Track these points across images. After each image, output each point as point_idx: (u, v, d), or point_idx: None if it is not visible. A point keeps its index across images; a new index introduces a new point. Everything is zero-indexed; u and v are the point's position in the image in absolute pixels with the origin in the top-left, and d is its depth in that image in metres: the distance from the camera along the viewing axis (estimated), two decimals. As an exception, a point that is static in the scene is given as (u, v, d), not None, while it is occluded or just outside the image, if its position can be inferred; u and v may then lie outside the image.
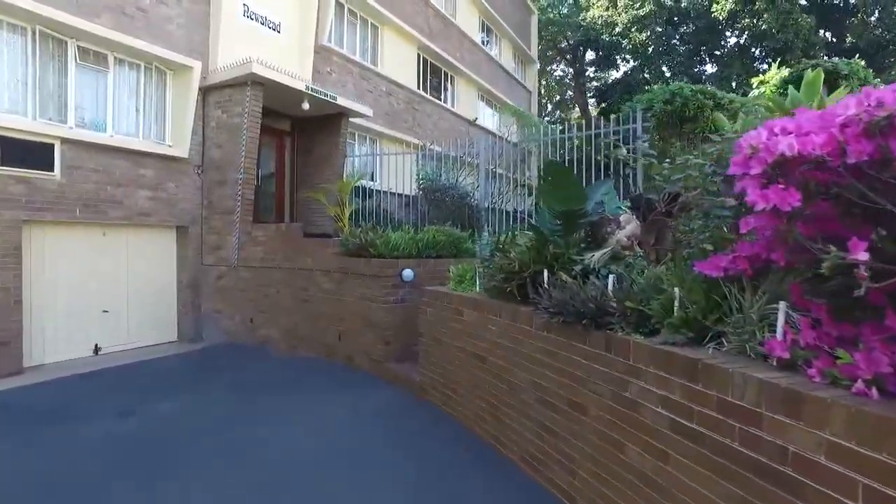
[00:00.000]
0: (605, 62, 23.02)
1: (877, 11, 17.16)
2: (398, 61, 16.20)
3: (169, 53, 9.07)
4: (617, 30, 21.23)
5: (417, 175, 11.28)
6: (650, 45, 20.23)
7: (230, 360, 8.45)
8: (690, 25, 20.08)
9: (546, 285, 4.22)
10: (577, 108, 32.59)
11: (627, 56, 20.80)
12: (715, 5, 18.12)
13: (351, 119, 12.03)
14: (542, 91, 29.68)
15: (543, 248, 4.63)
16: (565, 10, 28.37)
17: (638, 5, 19.98)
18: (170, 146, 9.41)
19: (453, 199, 10.61)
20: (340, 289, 8.09)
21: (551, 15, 27.69)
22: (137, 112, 9.07)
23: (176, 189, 9.42)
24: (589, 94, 27.24)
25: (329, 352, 8.26)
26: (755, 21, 17.61)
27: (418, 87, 17.47)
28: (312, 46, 12.37)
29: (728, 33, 19.34)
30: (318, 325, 8.46)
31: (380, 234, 7.68)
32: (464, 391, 5.40)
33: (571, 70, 34.32)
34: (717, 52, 19.73)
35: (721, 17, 18.54)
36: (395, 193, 12.09)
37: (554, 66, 35.48)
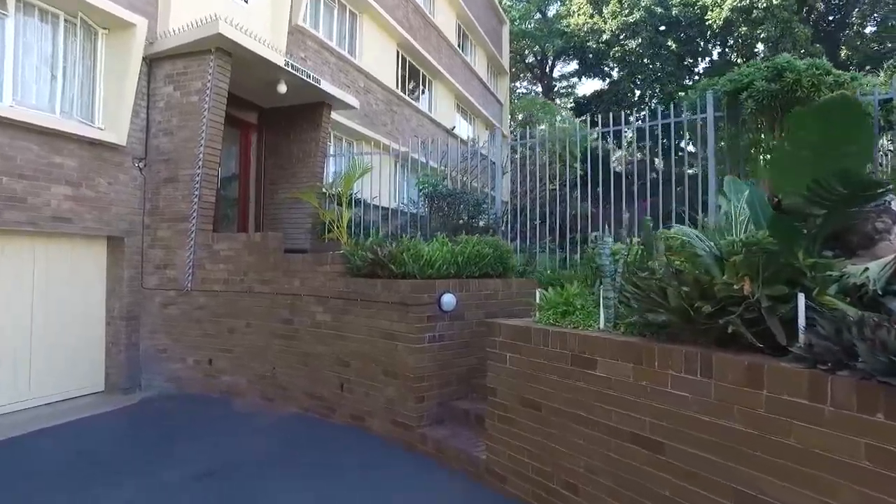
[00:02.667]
0: (592, 71, 21.96)
1: (869, 26, 16.95)
2: (377, 55, 14.22)
3: (102, 2, 6.70)
4: (604, 37, 20.18)
5: (420, 180, 9.23)
6: (641, 53, 19.26)
7: (181, 421, 6.02)
8: (682, 34, 19.31)
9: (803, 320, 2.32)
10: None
11: (613, 64, 19.77)
12: (710, 13, 17.38)
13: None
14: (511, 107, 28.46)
15: (779, 259, 2.71)
16: (532, 25, 27.35)
17: (627, 12, 19.01)
18: (100, 129, 6.97)
19: (467, 206, 8.61)
20: (343, 321, 5.88)
21: (523, 27, 26.57)
22: (54, 79, 6.62)
23: (108, 187, 6.96)
24: (564, 109, 26.21)
25: (325, 408, 5.99)
26: (753, 30, 16.96)
27: (397, 87, 15.54)
28: (287, 24, 10.21)
29: (720, 42, 18.79)
30: (307, 370, 6.19)
31: (406, 246, 5.56)
32: (596, 490, 3.34)
33: (540, 85, 33.42)
34: (709, 62, 19.11)
35: (716, 27, 17.81)
36: (386, 205, 9.98)
37: (516, 84, 34.46)
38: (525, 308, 4.96)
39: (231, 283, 6.98)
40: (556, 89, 32.43)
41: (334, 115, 10.36)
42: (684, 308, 2.98)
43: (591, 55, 20.61)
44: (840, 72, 5.99)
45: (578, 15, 20.78)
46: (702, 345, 2.92)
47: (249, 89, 8.80)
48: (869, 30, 17.03)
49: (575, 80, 31.30)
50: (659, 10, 18.51)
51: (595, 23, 20.34)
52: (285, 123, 9.79)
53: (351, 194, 8.82)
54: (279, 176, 9.85)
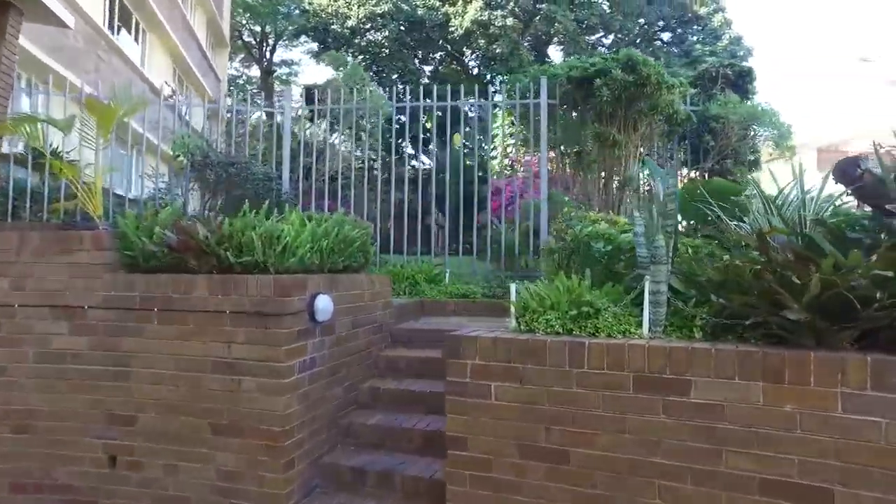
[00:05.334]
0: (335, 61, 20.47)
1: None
2: (78, -33, 10.19)
3: None
4: (349, 23, 18.97)
5: (179, 143, 6.58)
6: (387, 46, 18.78)
7: None
8: (424, 34, 19.62)
9: None
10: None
11: (359, 54, 18.80)
12: (453, 20, 18.10)
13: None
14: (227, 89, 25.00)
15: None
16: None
17: (375, 2, 18.31)
18: None
19: (254, 181, 6.45)
20: (119, 348, 3.37)
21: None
22: None
23: None
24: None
25: (74, 506, 3.35)
26: (489, 45, 18.33)
27: (105, 26, 11.54)
28: None
29: (456, 51, 19.75)
30: (32, 441, 3.39)
31: (252, 224, 3.44)
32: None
33: (258, 68, 30.37)
34: (449, 67, 19.81)
35: (457, 36, 18.66)
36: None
37: (228, 65, 30.65)
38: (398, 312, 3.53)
39: None
40: (275, 74, 29.93)
41: (24, 41, 6.68)
42: (825, 303, 2.16)
43: (331, 39, 19.34)
44: (674, 79, 6.28)
45: (324, -6, 19.27)
46: (857, 349, 2.15)
47: None
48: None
49: (297, 67, 29.41)
50: (405, 7, 18.52)
51: (340, 6, 19.15)
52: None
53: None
54: None
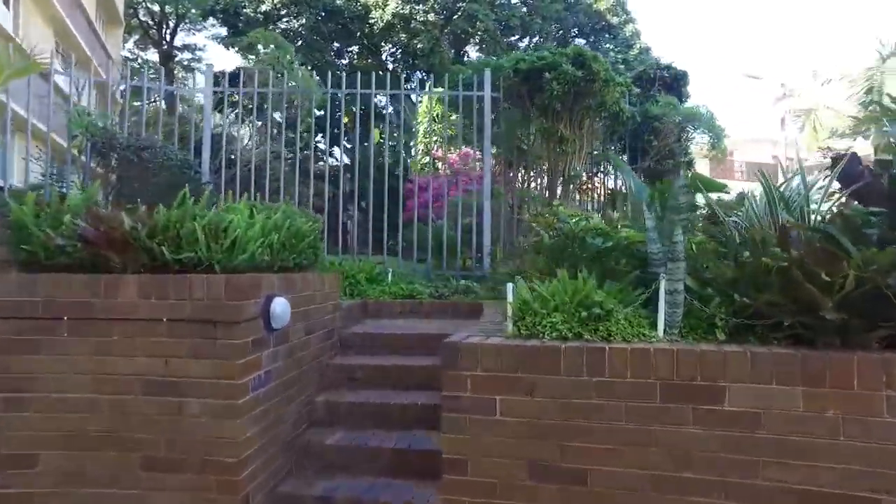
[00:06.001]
0: (243, 46, 18.89)
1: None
2: None
3: None
4: (263, 8, 17.62)
5: (76, 120, 5.63)
6: (304, 35, 17.65)
7: None
8: (340, 25, 18.77)
9: None
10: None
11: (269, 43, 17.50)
12: (373, 12, 17.47)
13: None
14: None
15: None
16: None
17: (290, -14, 17.23)
18: None
19: (171, 167, 5.66)
20: (16, 367, 2.66)
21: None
22: None
23: None
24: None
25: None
26: (410, 40, 17.91)
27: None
28: None
29: (371, 44, 19.07)
30: None
31: (194, 213, 2.86)
32: None
33: (157, 52, 27.82)
34: (365, 61, 18.97)
35: (376, 29, 18.07)
36: None
37: (122, 45, 27.81)
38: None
39: None
40: (176, 59, 27.58)
41: None
42: (855, 301, 2.08)
43: (242, 24, 17.98)
44: (620, 78, 6.29)
45: (234, -24, 17.83)
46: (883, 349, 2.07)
47: None
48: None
49: (202, 53, 27.27)
50: (322, -5, 17.64)
51: (255, -12, 17.87)
52: None
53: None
54: None
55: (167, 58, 28.22)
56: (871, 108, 14.71)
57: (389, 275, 6.00)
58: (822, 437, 2.02)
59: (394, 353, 4.23)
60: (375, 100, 6.85)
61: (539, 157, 6.33)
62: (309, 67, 19.55)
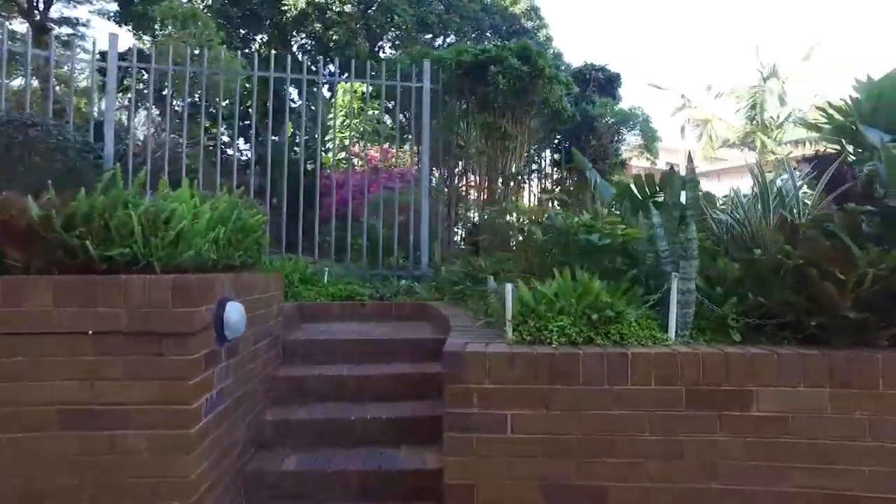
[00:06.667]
0: (139, 23, 16.87)
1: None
2: None
3: None
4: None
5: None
6: (208, 14, 16.18)
7: None
8: (249, 10, 17.47)
9: None
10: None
11: (167, 22, 15.83)
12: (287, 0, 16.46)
13: None
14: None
15: None
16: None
17: (190, -38, 15.75)
18: None
19: (64, 149, 4.81)
20: None
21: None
22: None
23: None
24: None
25: None
26: (325, 31, 17.08)
27: None
28: None
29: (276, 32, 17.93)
30: None
31: (123, 200, 2.31)
32: None
33: (29, 26, 24.52)
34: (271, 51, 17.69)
35: (289, 15, 17.03)
36: None
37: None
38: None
39: None
40: (53, 32, 24.52)
41: None
42: (868, 298, 2.06)
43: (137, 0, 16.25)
44: (562, 75, 6.27)
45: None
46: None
47: None
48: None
49: (85, 29, 24.47)
50: (227, -26, 16.39)
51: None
52: None
53: None
54: None
55: (40, 30, 24.99)
56: (754, 122, 16.24)
57: (326, 275, 5.54)
58: (851, 440, 1.96)
59: (346, 360, 3.82)
60: (290, 89, 6.33)
61: (482, 153, 6.15)
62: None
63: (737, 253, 2.62)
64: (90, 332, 2.10)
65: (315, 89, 9.78)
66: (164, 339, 2.13)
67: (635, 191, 3.56)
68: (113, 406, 2.09)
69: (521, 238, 3.28)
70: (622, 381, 2.07)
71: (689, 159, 2.61)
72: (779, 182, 2.89)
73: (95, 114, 6.08)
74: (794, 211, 2.66)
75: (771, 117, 15.34)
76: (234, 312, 2.46)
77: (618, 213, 2.60)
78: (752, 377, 2.03)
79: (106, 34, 5.71)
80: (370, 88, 6.45)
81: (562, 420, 2.08)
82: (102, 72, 5.63)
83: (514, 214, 3.38)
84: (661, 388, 2.06)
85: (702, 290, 2.40)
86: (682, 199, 3.39)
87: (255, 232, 3.18)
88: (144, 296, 2.12)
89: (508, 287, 2.39)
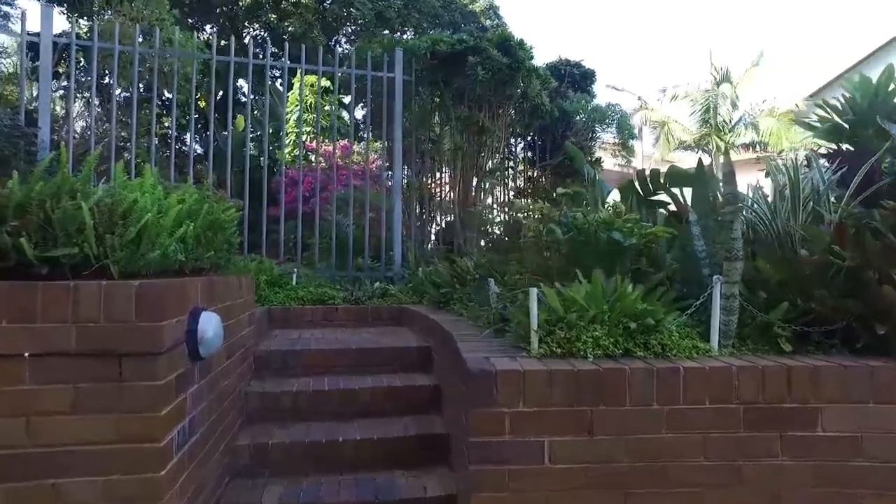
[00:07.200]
0: (73, 5, 15.51)
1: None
2: None
3: None
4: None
5: None
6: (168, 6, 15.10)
7: None
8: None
9: None
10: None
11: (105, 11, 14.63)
12: (240, -13, 15.64)
13: None
14: None
15: None
16: None
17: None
18: None
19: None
20: None
21: None
22: None
23: None
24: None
25: None
26: (281, 22, 16.32)
27: None
28: None
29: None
30: None
31: (67, 184, 1.87)
32: None
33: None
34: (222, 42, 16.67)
35: (242, 4, 16.19)
36: None
37: None
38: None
39: None
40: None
41: None
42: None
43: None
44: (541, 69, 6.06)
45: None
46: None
47: None
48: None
49: (12, 10, 22.65)
50: (177, -42, 15.39)
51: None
52: None
53: None
54: None
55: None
56: (708, 124, 16.66)
57: (294, 277, 5.11)
58: (925, 461, 1.78)
59: (326, 373, 3.45)
60: (249, 77, 5.86)
61: (457, 148, 5.84)
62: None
63: (766, 254, 2.43)
64: (26, 354, 1.66)
65: (278, 80, 9.24)
66: (125, 360, 1.72)
67: (638, 188, 3.36)
68: (56, 448, 1.66)
69: (530, 236, 2.99)
70: (674, 401, 1.82)
71: (726, 152, 2.40)
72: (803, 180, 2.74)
73: (27, 98, 5.43)
74: (826, 209, 2.50)
75: (724, 120, 15.78)
76: (210, 325, 2.06)
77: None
78: (816, 392, 1.82)
79: (35, 16, 5.07)
80: (340, 76, 5.99)
81: (606, 447, 1.81)
82: (34, 50, 5.01)
83: (514, 212, 3.11)
84: (717, 407, 1.82)
85: (744, 295, 2.18)
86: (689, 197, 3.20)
87: (228, 228, 2.77)
88: (99, 307, 1.70)
89: (533, 293, 2.10)
